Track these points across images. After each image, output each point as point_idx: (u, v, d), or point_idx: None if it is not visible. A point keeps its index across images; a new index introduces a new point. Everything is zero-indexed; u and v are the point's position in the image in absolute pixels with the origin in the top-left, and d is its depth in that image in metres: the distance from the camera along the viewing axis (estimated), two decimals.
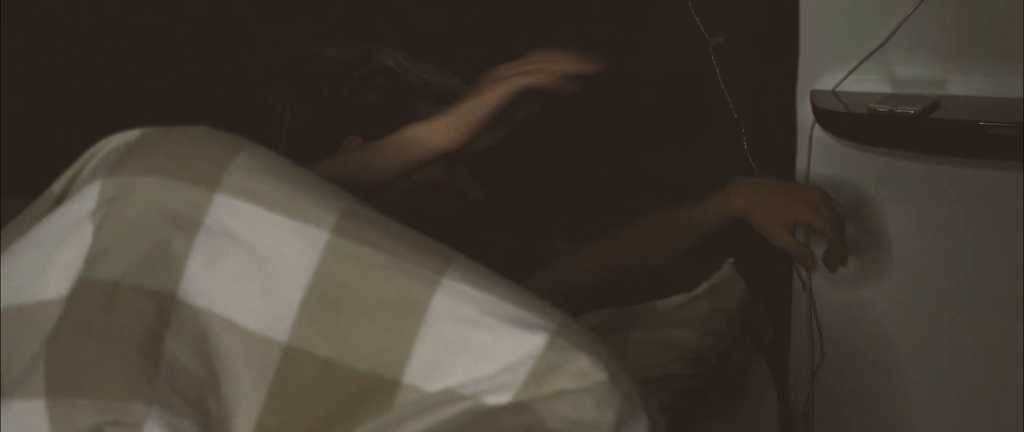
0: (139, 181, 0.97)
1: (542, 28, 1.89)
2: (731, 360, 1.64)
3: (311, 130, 1.65)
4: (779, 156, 1.87)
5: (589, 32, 1.89)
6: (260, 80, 1.71)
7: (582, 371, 0.90)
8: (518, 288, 0.96)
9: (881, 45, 1.82)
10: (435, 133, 1.34)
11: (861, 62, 1.83)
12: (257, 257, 0.94)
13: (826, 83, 1.85)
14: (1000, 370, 1.88)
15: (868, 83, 1.83)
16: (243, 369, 0.93)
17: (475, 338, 0.92)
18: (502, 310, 0.93)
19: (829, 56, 1.84)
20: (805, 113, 1.85)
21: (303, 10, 1.95)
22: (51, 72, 1.96)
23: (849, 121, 1.80)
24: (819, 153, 1.87)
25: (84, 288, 0.93)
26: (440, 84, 1.65)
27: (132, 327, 0.91)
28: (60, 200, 1.03)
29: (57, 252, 0.96)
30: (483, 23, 1.92)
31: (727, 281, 1.64)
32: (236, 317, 0.94)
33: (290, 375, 0.93)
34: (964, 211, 1.84)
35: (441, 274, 0.94)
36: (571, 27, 1.89)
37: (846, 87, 1.84)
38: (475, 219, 1.69)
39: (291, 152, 1.67)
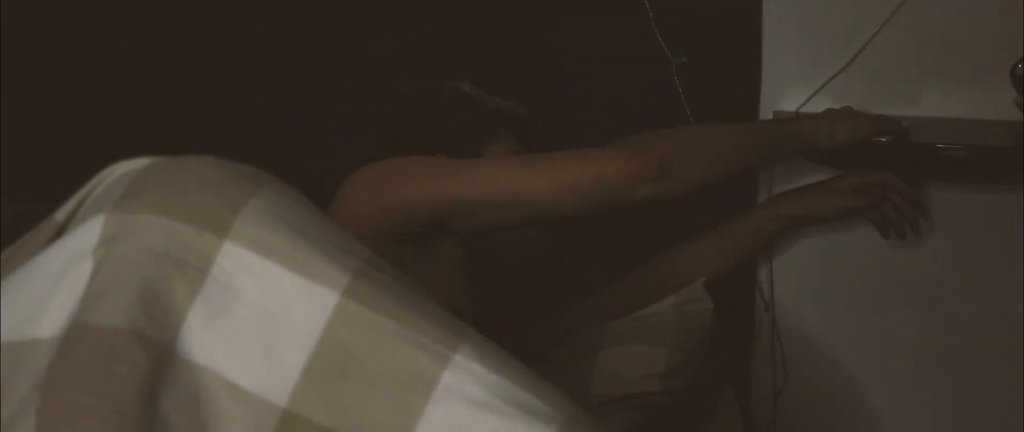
0: (142, 220, 0.91)
1: (502, 44, 1.87)
2: (699, 380, 1.62)
3: (399, 148, 1.61)
4: (741, 180, 1.85)
5: (550, 48, 1.87)
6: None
7: None
8: (529, 371, 0.92)
9: (845, 66, 1.82)
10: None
11: (825, 83, 1.83)
12: (262, 314, 0.89)
13: (790, 104, 1.84)
14: (967, 392, 1.88)
15: (831, 105, 1.82)
16: (235, 429, 0.88)
17: (482, 423, 0.88)
18: (512, 394, 0.89)
19: (792, 77, 1.84)
20: None
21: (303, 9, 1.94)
22: (52, 73, 1.92)
23: None
24: (782, 175, 1.86)
25: (81, 332, 0.87)
26: (509, 107, 1.67)
27: (127, 378, 0.85)
28: (62, 229, 0.97)
29: (56, 289, 0.90)
30: (448, 36, 1.90)
31: (696, 299, 1.62)
32: (235, 377, 0.88)
33: None
34: (932, 231, 1.84)
35: (453, 350, 0.89)
36: (530, 42, 1.88)
37: (810, 108, 1.83)
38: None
39: None
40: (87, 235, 0.91)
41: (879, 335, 1.90)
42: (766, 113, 1.84)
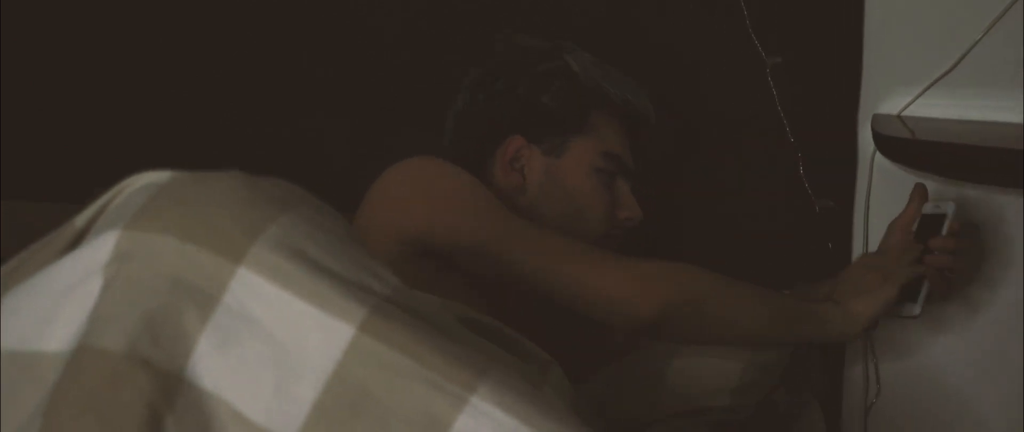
0: (156, 240, 0.88)
1: (591, 36, 1.83)
2: (775, 400, 1.56)
3: (479, 119, 1.62)
4: (838, 183, 1.78)
5: (643, 46, 1.82)
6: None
7: None
8: (553, 410, 0.88)
9: (951, 69, 1.73)
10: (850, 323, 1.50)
11: (929, 86, 1.74)
12: (275, 346, 0.86)
13: (891, 107, 1.76)
14: None
15: (935, 108, 1.74)
16: None
17: None
18: None
19: (895, 79, 1.76)
20: (867, 138, 1.76)
21: None
22: (53, 71, 1.92)
23: (913, 148, 1.71)
24: (880, 180, 1.78)
25: (87, 356, 0.86)
26: (617, 96, 1.61)
27: (134, 405, 0.84)
28: (81, 236, 0.96)
29: (65, 302, 0.89)
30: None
31: None
32: (244, 408, 0.86)
33: None
34: None
35: (470, 391, 0.86)
36: (623, 40, 1.83)
37: (912, 112, 1.75)
38: (628, 238, 1.65)
39: (455, 135, 1.66)
40: (100, 250, 0.89)
41: (981, 348, 1.81)
42: (866, 116, 1.77)
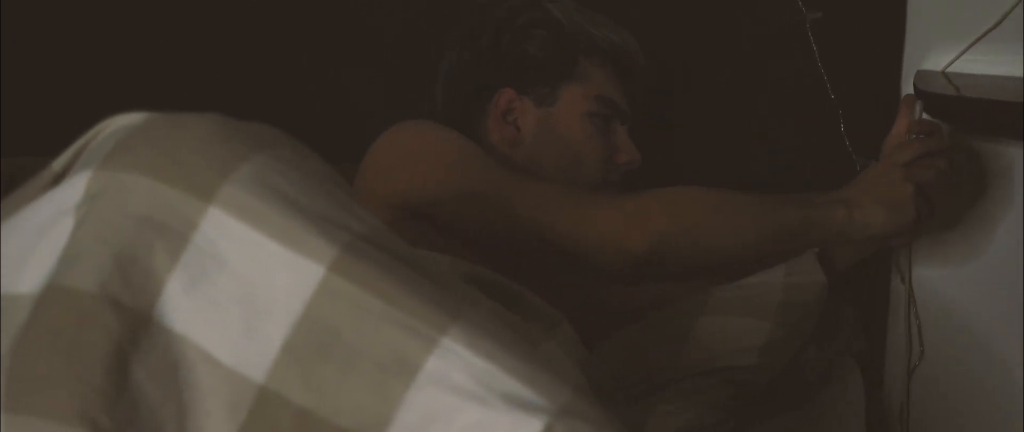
0: (127, 179, 0.87)
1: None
2: (803, 361, 1.53)
3: (467, 77, 1.63)
4: (879, 141, 1.74)
5: (677, 4, 1.80)
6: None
7: None
8: (527, 355, 0.87)
9: (996, 24, 1.69)
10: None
11: (974, 42, 1.70)
12: (244, 286, 0.85)
13: (935, 63, 1.73)
14: None
15: (979, 64, 1.70)
16: (213, 406, 0.85)
17: (464, 413, 0.83)
18: (500, 383, 0.84)
19: (939, 34, 1.72)
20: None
21: None
22: (56, 19, 1.93)
23: (960, 105, 1.67)
24: None
25: (56, 295, 0.85)
26: (603, 40, 1.61)
27: (97, 345, 0.84)
28: (59, 179, 0.95)
29: (38, 244, 0.89)
30: None
31: (806, 272, 1.53)
32: (213, 349, 0.85)
33: (262, 420, 0.85)
34: None
35: (442, 332, 0.84)
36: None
37: (957, 68, 1.71)
38: (628, 181, 1.65)
39: (445, 97, 1.67)
40: (72, 191, 0.89)
41: None
42: (909, 73, 1.73)
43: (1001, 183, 1.75)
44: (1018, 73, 1.67)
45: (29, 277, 0.87)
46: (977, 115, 1.68)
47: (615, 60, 1.62)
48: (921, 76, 1.71)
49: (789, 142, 1.80)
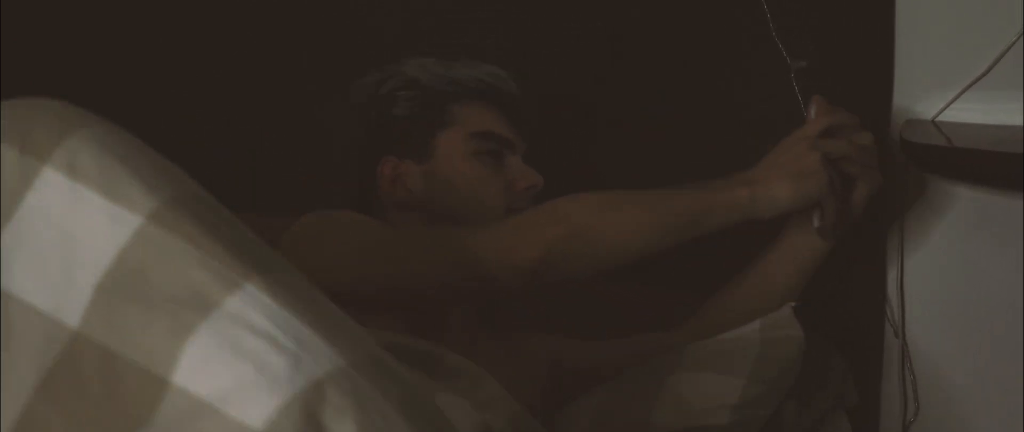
0: None
1: (612, 37, 1.80)
2: (782, 418, 1.49)
3: (351, 159, 1.68)
4: None
5: (662, 49, 1.78)
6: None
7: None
8: (329, 311, 0.90)
9: (986, 72, 1.66)
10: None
11: (964, 90, 1.67)
12: (65, 237, 0.90)
13: (925, 111, 1.70)
14: None
15: (971, 113, 1.67)
16: (22, 352, 0.89)
17: (252, 343, 0.85)
18: (296, 330, 0.86)
19: (928, 83, 1.69)
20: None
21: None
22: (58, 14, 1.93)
23: (948, 156, 1.64)
24: (913, 188, 1.72)
25: None
26: (468, 79, 1.63)
27: None
28: None
29: None
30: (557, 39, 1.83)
31: (781, 326, 1.49)
32: (34, 300, 0.89)
33: (69, 363, 0.88)
34: None
35: (246, 279, 0.87)
36: (643, 40, 1.79)
37: (946, 117, 1.68)
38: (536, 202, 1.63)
39: (342, 177, 1.72)
40: None
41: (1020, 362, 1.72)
42: (898, 122, 1.70)
43: (997, 234, 1.71)
44: (1010, 121, 1.64)
45: None
46: (971, 165, 1.64)
47: (484, 95, 1.63)
48: (910, 126, 1.67)
49: None
